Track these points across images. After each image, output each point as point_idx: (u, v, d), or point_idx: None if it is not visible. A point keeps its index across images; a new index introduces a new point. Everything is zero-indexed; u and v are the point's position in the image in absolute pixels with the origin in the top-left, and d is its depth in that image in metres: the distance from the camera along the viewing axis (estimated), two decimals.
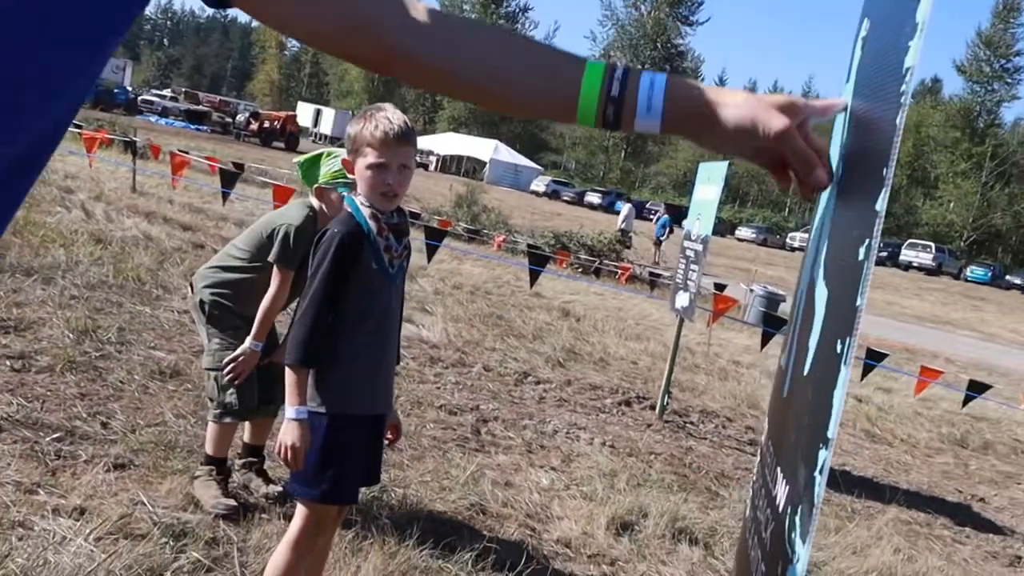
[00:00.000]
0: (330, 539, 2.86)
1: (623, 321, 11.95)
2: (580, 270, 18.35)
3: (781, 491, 1.13)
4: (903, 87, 0.92)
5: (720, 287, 17.37)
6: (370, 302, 2.57)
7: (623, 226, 26.00)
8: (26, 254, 6.95)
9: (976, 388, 8.70)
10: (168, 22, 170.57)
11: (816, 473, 0.98)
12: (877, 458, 7.55)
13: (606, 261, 18.99)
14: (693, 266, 6.64)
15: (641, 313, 13.47)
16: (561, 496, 4.72)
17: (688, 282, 6.71)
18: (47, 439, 3.79)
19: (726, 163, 6.54)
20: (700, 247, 6.54)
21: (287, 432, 2.48)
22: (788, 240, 60.79)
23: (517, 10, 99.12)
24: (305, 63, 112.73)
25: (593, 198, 64.43)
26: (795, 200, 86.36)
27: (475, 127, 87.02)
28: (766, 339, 9.76)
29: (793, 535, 1.03)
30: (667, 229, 27.59)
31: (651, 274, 18.90)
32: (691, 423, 7.11)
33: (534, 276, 11.32)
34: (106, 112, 36.98)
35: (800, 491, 1.03)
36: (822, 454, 0.99)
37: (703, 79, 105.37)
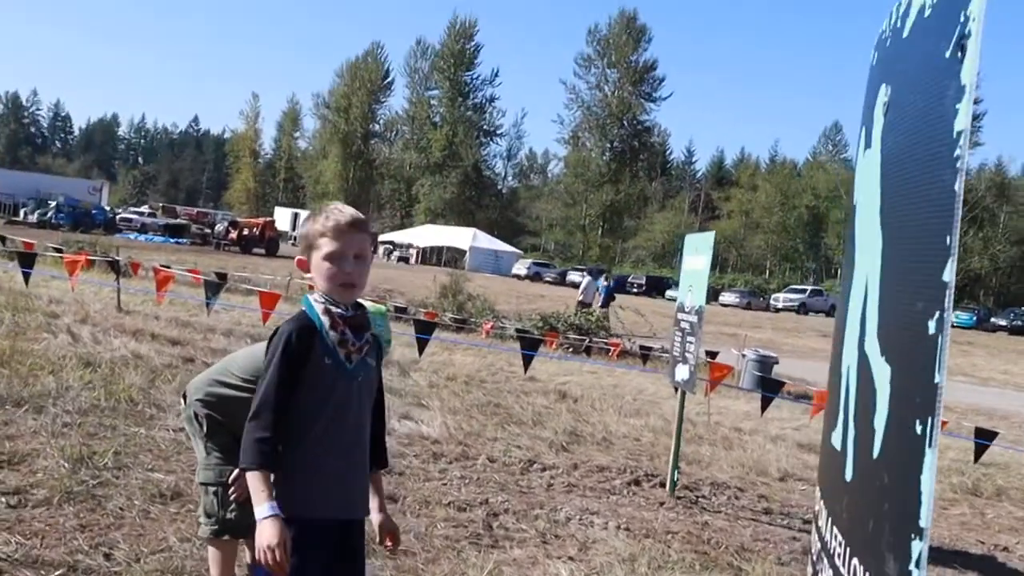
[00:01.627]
0: None
1: (620, 398, 11.84)
2: (571, 350, 18.27)
3: None
4: (957, 151, 0.88)
5: (712, 354, 17.33)
6: (325, 399, 2.47)
7: (582, 298, 26.00)
8: (15, 384, 6.83)
9: (983, 435, 8.61)
10: (142, 140, 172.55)
11: (912, 567, 0.91)
12: None
13: (595, 339, 18.94)
14: (690, 338, 6.59)
15: (637, 388, 13.39)
16: None
17: (686, 354, 6.65)
18: None
19: (712, 233, 6.56)
20: (695, 318, 6.51)
21: (263, 533, 2.32)
22: (772, 302, 61.03)
23: (484, 102, 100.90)
24: (279, 168, 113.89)
25: (575, 276, 64.68)
26: (775, 261, 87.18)
27: (452, 217, 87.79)
28: (765, 403, 9.69)
29: None
30: (608, 296, 27.48)
31: (642, 348, 18.83)
32: (703, 497, 6.97)
33: (527, 360, 11.24)
34: (85, 234, 37.05)
35: None
36: (916, 546, 0.92)
37: (671, 152, 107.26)
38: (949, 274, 0.90)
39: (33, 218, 51.48)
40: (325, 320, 2.51)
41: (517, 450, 7.47)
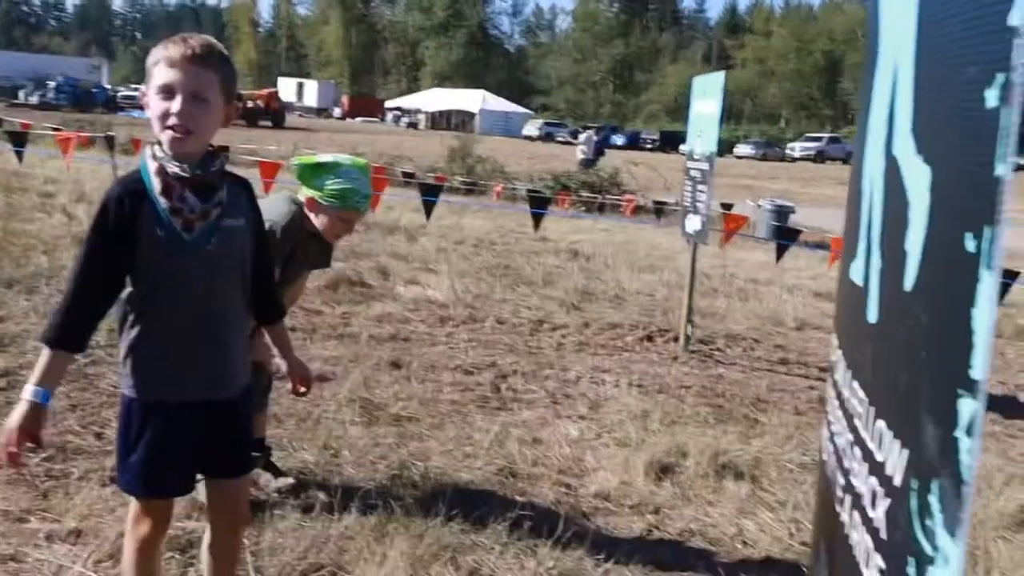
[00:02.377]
0: (158, 534, 2.39)
1: (634, 254, 11.61)
2: (583, 208, 17.98)
3: (895, 456, 0.82)
4: None
5: (727, 206, 16.98)
6: (157, 276, 2.13)
7: (583, 155, 25.77)
8: (6, 265, 6.66)
9: (1006, 275, 8.36)
10: (137, 15, 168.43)
11: (960, 433, 0.67)
12: None
13: (608, 196, 18.60)
14: (700, 187, 6.29)
15: (651, 244, 13.15)
16: (593, 446, 4.45)
17: (697, 204, 6.36)
18: (36, 459, 3.53)
19: (721, 74, 6.16)
20: (706, 166, 6.19)
21: (10, 415, 2.11)
22: (788, 151, 59.97)
23: None
24: (281, 38, 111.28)
25: (586, 135, 63.70)
26: (791, 110, 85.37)
27: (459, 80, 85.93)
28: (781, 252, 9.45)
29: (928, 523, 0.72)
30: (598, 150, 27.13)
31: (656, 203, 18.50)
32: (718, 350, 6.82)
33: (537, 220, 10.97)
34: (86, 113, 36.46)
35: (932, 459, 0.72)
36: (966, 405, 0.67)
37: (682, 0, 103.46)
38: (1018, 15, 0.62)
39: (33, 99, 50.68)
40: (156, 182, 2.11)
41: (527, 311, 7.29)
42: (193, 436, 2.27)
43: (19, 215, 9.06)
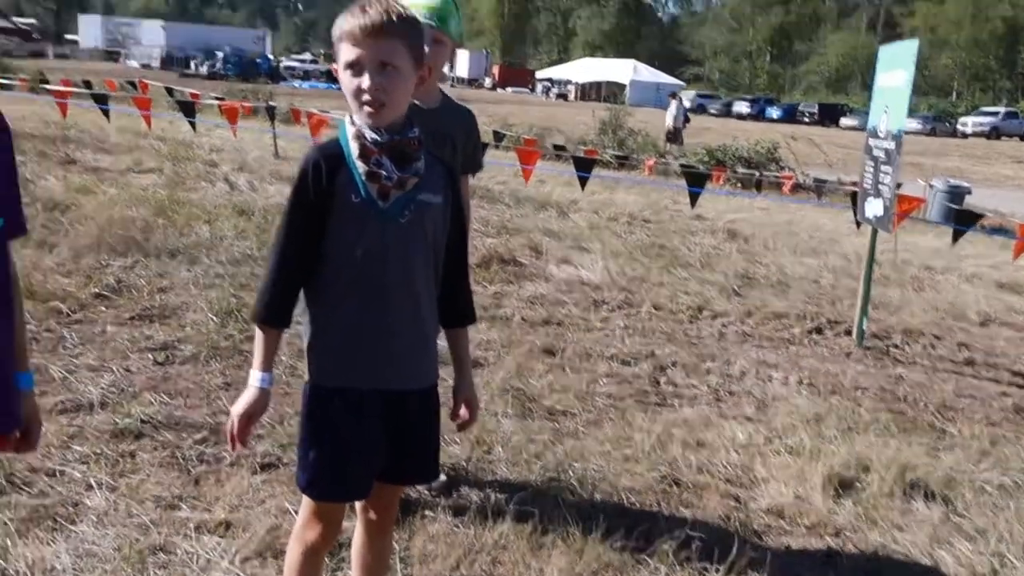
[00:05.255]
0: (328, 542, 2.24)
1: (795, 236, 10.99)
2: (739, 184, 17.28)
3: None
4: None
5: (896, 186, 15.94)
6: (351, 246, 2.01)
7: (673, 124, 24.34)
8: (171, 235, 6.79)
9: None
10: None
11: None
12: None
13: (766, 172, 17.82)
14: (884, 168, 5.75)
15: (813, 224, 12.45)
16: (763, 452, 4.08)
17: (880, 187, 5.83)
18: (189, 441, 3.48)
19: (914, 42, 5.59)
20: (892, 145, 5.65)
21: (238, 399, 2.05)
22: (959, 126, 56.35)
23: None
24: None
25: (741, 107, 61.87)
26: (963, 82, 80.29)
27: (610, 50, 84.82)
28: (957, 237, 8.70)
29: None
30: (684, 118, 25.45)
31: (816, 180, 17.59)
32: (895, 346, 6.26)
33: (693, 198, 10.52)
34: (250, 83, 37.81)
35: None
36: None
37: None
38: None
39: (203, 70, 53.18)
40: (354, 147, 2.00)
41: (684, 296, 6.91)
42: (382, 431, 2.10)
43: (184, 184, 9.31)
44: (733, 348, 5.78)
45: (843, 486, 3.76)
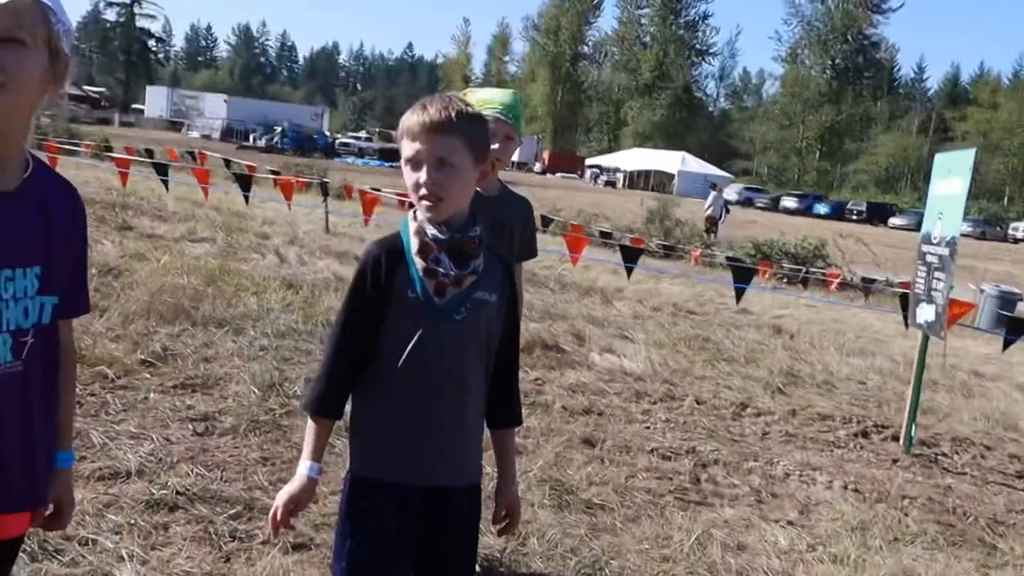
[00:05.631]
0: None
1: (841, 335, 10.84)
2: (785, 280, 17.17)
3: None
4: None
5: (948, 290, 15.72)
6: (404, 341, 2.02)
7: (710, 212, 25.32)
8: (219, 305, 6.87)
9: None
10: (360, 67, 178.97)
11: None
12: None
13: (812, 269, 17.70)
14: (938, 273, 5.68)
15: (860, 324, 12.29)
16: (805, 560, 3.96)
17: (933, 292, 5.75)
18: (223, 516, 3.45)
19: (972, 151, 5.58)
20: (946, 251, 5.59)
21: (286, 487, 2.08)
22: (1011, 231, 55.72)
23: (696, 19, 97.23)
24: None
25: (789, 203, 61.84)
26: (1015, 187, 79.71)
27: (660, 140, 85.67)
28: (1007, 344, 8.50)
29: None
30: (723, 210, 26.23)
31: (864, 280, 17.43)
32: (943, 455, 6.09)
33: (739, 293, 10.47)
34: (305, 158, 38.69)
35: None
36: None
37: (899, 68, 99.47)
38: None
39: (261, 143, 54.58)
40: (414, 243, 2.04)
41: (728, 391, 6.82)
42: (420, 527, 2.09)
43: (236, 255, 9.47)
44: (776, 448, 5.66)
45: None
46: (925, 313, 5.87)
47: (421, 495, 2.08)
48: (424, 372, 2.04)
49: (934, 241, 5.83)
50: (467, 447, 2.15)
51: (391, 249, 2.06)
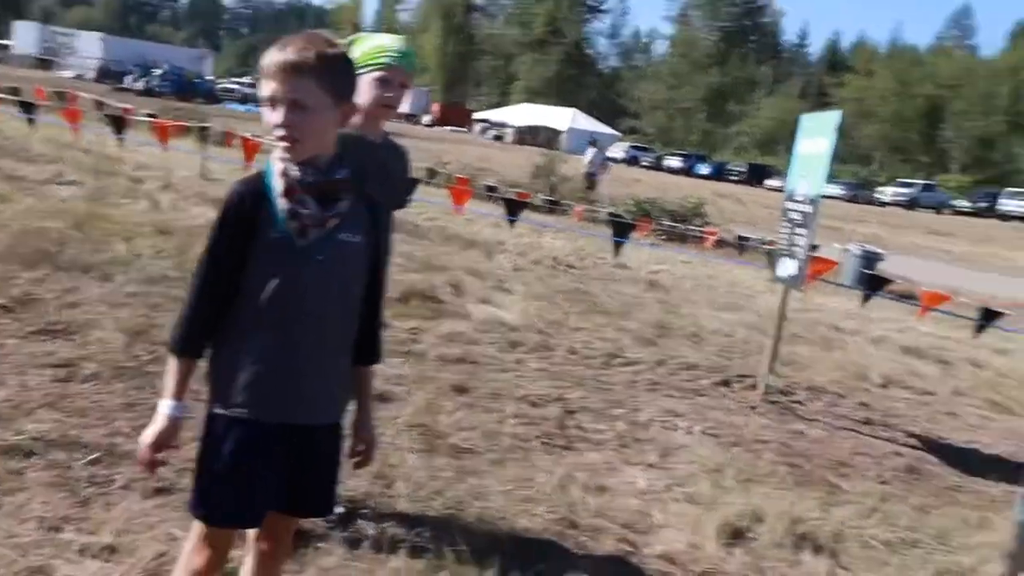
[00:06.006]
0: (215, 568, 2.21)
1: (714, 290, 11.27)
2: (664, 237, 17.60)
3: None
4: None
5: (813, 248, 16.38)
6: (267, 282, 2.03)
7: (589, 169, 25.01)
8: (86, 250, 6.65)
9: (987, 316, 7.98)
10: (246, 10, 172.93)
11: None
12: (1008, 432, 6.76)
13: (691, 227, 18.20)
14: (800, 230, 5.95)
15: (732, 280, 12.75)
16: (662, 499, 4.16)
17: (794, 248, 6.03)
18: (81, 462, 3.39)
19: (837, 113, 5.83)
20: (809, 209, 5.86)
21: (149, 427, 2.09)
22: (878, 195, 58.27)
23: None
24: None
25: (672, 162, 63.06)
26: (885, 152, 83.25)
27: (551, 97, 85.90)
28: (867, 299, 8.99)
29: None
30: (602, 166, 25.96)
31: (740, 238, 18.04)
32: (798, 403, 6.44)
33: (617, 246, 10.72)
34: (187, 102, 37.30)
35: None
36: None
37: (784, 34, 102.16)
38: None
39: (139, 85, 52.26)
40: (278, 184, 2.04)
41: (600, 342, 7.01)
42: (283, 464, 2.12)
43: (106, 199, 9.14)
44: (643, 396, 5.87)
45: (736, 535, 3.85)
46: (787, 267, 6.16)
47: (279, 432, 2.10)
48: (286, 313, 2.05)
49: (798, 199, 6.10)
50: (329, 387, 2.17)
51: (255, 189, 2.05)
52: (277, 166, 2.05)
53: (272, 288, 2.03)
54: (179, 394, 2.07)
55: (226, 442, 2.07)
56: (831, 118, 5.86)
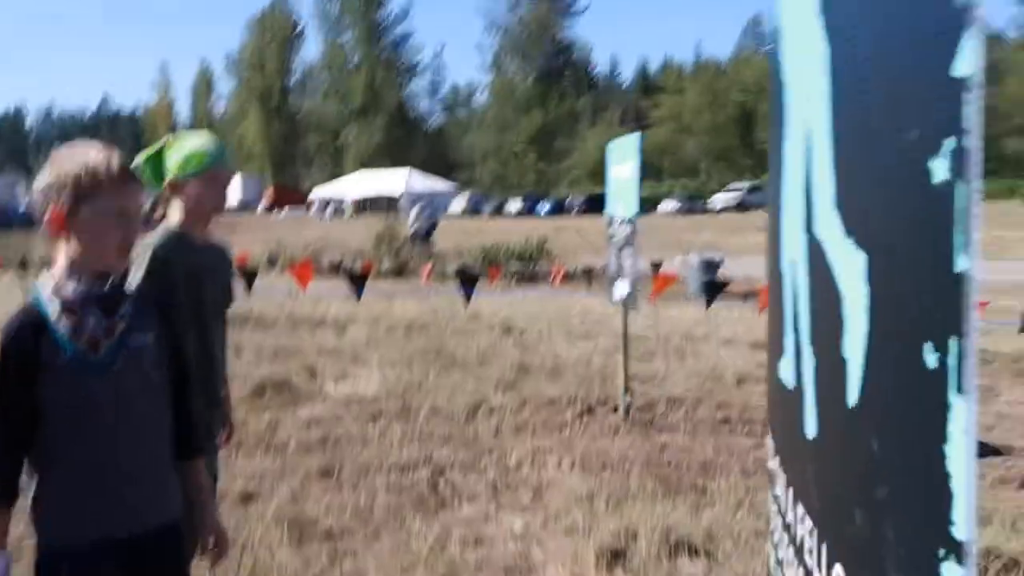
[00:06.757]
0: None
1: (568, 323, 11.47)
2: (515, 280, 17.86)
3: None
4: None
5: (656, 265, 17.00)
6: (69, 403, 1.97)
7: (414, 229, 23.26)
8: None
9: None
10: (52, 129, 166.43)
11: None
12: None
13: (538, 265, 18.57)
14: (626, 251, 6.17)
15: (584, 310, 13.01)
16: (540, 538, 4.19)
17: (623, 268, 6.24)
18: None
19: (635, 135, 6.10)
20: (628, 230, 6.08)
21: None
22: (710, 204, 60.92)
23: (399, 39, 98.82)
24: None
25: (513, 206, 64.21)
26: (709, 162, 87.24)
27: (383, 162, 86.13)
28: (709, 304, 9.36)
29: None
30: (430, 223, 23.95)
31: (584, 269, 18.50)
32: (659, 416, 6.63)
33: (468, 298, 10.79)
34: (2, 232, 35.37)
35: None
36: (951, 572, 0.47)
37: (596, 66, 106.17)
38: (970, 63, 0.42)
39: None
40: (53, 307, 1.97)
41: (462, 396, 7.03)
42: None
43: None
44: (509, 440, 5.91)
45: (615, 556, 3.91)
46: (620, 289, 6.35)
47: (113, 549, 2.02)
48: (94, 429, 1.99)
49: (618, 222, 6.33)
50: (154, 489, 2.11)
51: (28, 322, 1.97)
52: (45, 290, 1.99)
53: (73, 409, 1.97)
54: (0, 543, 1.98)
55: (55, 573, 1.99)
56: (631, 141, 6.12)
